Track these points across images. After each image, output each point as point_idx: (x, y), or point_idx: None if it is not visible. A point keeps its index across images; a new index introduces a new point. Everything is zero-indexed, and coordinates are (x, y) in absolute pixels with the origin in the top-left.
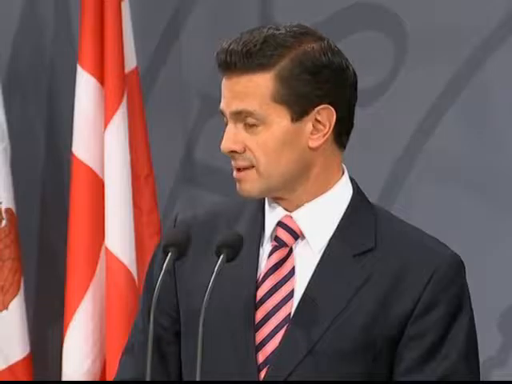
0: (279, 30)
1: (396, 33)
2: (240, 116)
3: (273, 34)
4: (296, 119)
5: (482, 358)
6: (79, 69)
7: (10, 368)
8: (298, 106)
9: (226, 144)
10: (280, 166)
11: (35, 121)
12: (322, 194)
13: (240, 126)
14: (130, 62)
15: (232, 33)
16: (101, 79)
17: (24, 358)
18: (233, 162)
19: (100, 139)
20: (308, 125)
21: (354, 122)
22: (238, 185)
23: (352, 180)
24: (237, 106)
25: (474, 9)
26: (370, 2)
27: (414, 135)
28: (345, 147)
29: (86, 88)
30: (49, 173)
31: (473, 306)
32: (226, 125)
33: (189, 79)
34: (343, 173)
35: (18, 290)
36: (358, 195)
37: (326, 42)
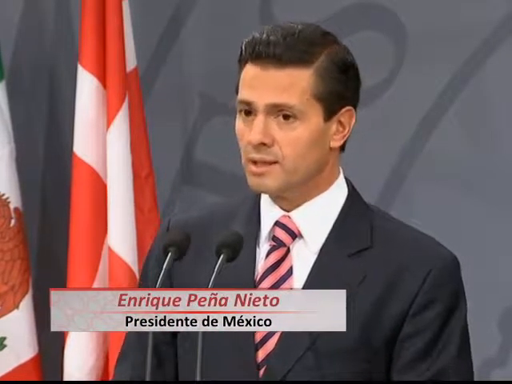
0: (303, 26)
1: (396, 33)
2: (275, 109)
3: (303, 30)
4: (327, 118)
5: (482, 358)
6: (80, 68)
7: (22, 366)
8: (331, 105)
9: (257, 136)
10: (305, 164)
11: (36, 120)
12: (319, 193)
13: (271, 118)
14: (130, 62)
15: (232, 33)
16: (102, 78)
17: (34, 357)
18: (253, 155)
19: (101, 139)
20: (334, 125)
21: (354, 122)
22: (255, 179)
23: (347, 180)
24: (275, 98)
25: (474, 9)
26: (370, 2)
27: (414, 135)
28: (344, 149)
29: (86, 87)
30: (50, 173)
31: (472, 306)
32: (246, 114)
33: (189, 79)
34: (339, 173)
35: (28, 289)
36: (353, 195)
37: (342, 43)
